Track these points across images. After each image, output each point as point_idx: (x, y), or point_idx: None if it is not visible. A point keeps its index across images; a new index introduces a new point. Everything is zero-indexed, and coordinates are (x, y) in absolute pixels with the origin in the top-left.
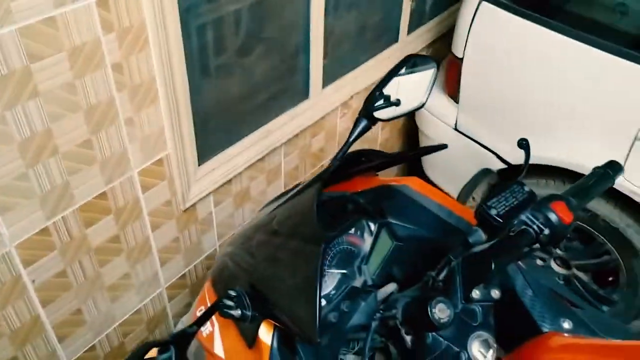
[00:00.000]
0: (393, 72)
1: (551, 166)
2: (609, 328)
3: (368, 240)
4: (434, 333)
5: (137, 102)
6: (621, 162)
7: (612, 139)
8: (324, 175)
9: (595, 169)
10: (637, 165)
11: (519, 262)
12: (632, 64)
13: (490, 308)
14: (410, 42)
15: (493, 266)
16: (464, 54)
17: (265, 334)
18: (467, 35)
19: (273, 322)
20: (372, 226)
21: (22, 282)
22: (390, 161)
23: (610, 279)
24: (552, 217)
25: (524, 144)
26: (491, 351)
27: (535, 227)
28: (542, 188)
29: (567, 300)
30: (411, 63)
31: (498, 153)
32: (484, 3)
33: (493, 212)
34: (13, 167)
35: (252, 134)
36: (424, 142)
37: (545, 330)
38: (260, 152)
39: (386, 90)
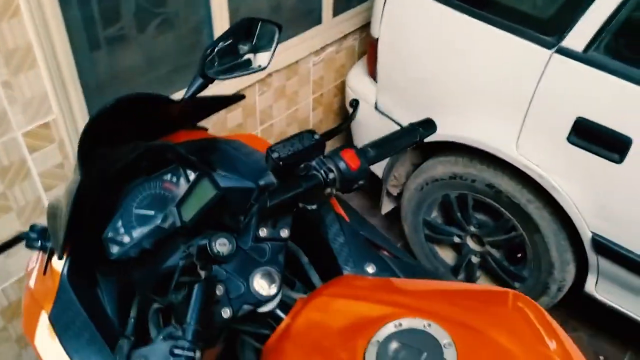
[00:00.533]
0: (228, 32)
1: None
2: (411, 270)
3: (182, 187)
4: (217, 265)
5: (14, 66)
6: (516, 137)
7: (508, 115)
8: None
9: (411, 124)
10: (529, 139)
11: (340, 213)
12: (523, 40)
13: (282, 247)
14: (337, 24)
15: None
16: (379, 33)
17: (59, 262)
18: (381, 15)
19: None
20: (192, 175)
21: None
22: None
23: (519, 255)
24: (340, 163)
25: (353, 104)
26: (274, 285)
27: (322, 171)
28: (458, 166)
29: (384, 249)
30: (249, 25)
31: None
32: None
33: (274, 154)
34: None
35: None
36: (354, 123)
37: (345, 272)
38: None
39: (223, 51)
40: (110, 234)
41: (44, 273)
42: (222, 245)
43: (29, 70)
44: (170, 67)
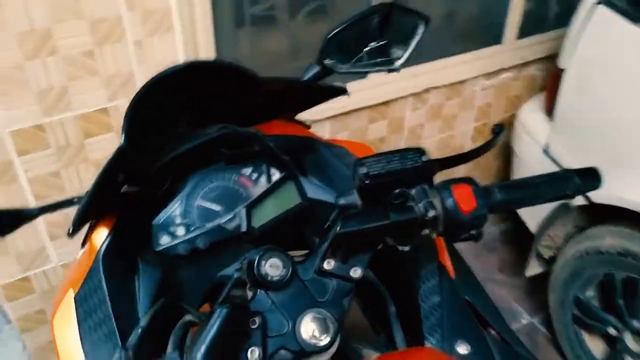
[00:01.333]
0: (358, 18)
1: None
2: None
3: (260, 186)
4: (262, 291)
5: (149, 27)
6: None
7: None
8: None
9: (565, 171)
10: None
11: (445, 265)
12: None
13: (349, 290)
14: (519, 47)
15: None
16: (568, 64)
17: (100, 237)
18: (577, 44)
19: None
20: (277, 174)
21: (14, 169)
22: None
23: None
24: (448, 200)
25: (496, 130)
26: (326, 336)
27: (421, 206)
28: (634, 242)
29: (492, 328)
30: (386, 13)
31: None
32: (601, 8)
33: (361, 169)
34: (10, 55)
35: None
36: (513, 161)
37: (427, 344)
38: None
39: (349, 40)
40: (162, 221)
41: (82, 245)
42: (273, 268)
43: (165, 33)
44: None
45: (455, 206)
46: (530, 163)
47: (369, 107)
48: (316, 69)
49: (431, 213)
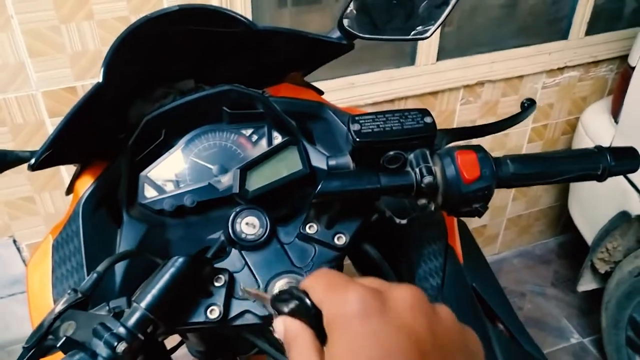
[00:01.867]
0: None
1: None
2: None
3: (259, 149)
4: (236, 250)
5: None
6: None
7: None
8: None
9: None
10: None
11: (454, 247)
12: None
13: (333, 259)
14: (588, 45)
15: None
16: (638, 61)
17: (84, 184)
18: None
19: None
20: (279, 138)
21: (45, 130)
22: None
23: None
24: (449, 166)
25: (525, 105)
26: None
27: (418, 170)
28: None
29: (501, 321)
30: None
31: None
32: None
33: (354, 126)
34: (46, 15)
35: (332, 80)
36: None
37: None
38: (337, 101)
39: (372, 3)
40: (150, 173)
41: (67, 193)
42: (249, 226)
43: None
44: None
45: (457, 174)
46: None
47: (416, 96)
48: (336, 34)
49: (427, 179)
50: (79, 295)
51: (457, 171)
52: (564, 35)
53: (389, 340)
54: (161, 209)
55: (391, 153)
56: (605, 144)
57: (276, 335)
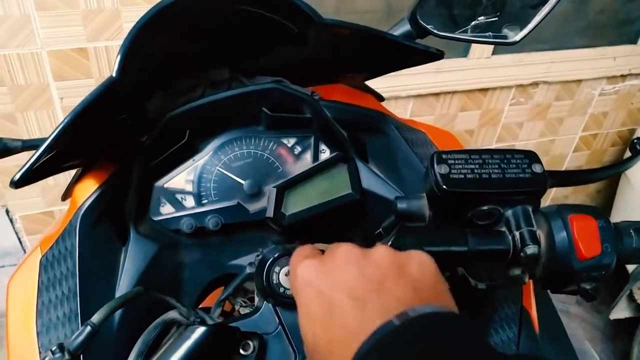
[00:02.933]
0: None
1: None
2: None
3: (302, 164)
4: (271, 304)
5: None
6: None
7: None
8: None
9: None
10: None
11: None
12: None
13: None
14: None
15: None
16: None
17: (84, 188)
18: None
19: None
20: (327, 152)
21: (49, 94)
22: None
23: None
24: (559, 233)
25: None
26: None
27: (518, 234)
28: None
29: None
30: None
31: None
32: None
33: (440, 169)
34: None
35: None
36: (623, 187)
37: None
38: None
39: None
40: (167, 184)
41: (63, 198)
42: (289, 277)
43: None
44: None
45: (571, 247)
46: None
47: (463, 91)
48: (406, 27)
49: (531, 249)
50: (66, 357)
51: (571, 243)
52: (632, 39)
53: (327, 297)
54: (177, 229)
55: (485, 208)
56: None
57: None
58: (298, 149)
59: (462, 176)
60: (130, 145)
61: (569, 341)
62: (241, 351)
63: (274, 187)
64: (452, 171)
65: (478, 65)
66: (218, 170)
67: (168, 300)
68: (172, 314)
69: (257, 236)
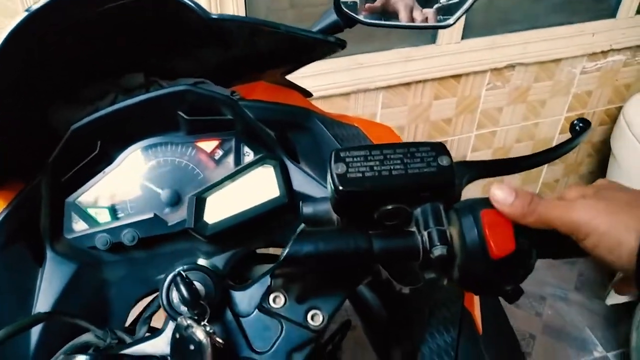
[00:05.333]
0: None
1: None
2: None
3: (224, 169)
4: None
5: None
6: None
7: None
8: None
9: None
10: None
11: (473, 315)
12: None
13: (307, 341)
14: (638, 24)
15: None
16: None
17: None
18: None
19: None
20: (251, 155)
21: None
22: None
23: None
24: (469, 231)
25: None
26: None
27: (426, 233)
28: None
29: None
30: None
31: None
32: None
33: (338, 167)
34: None
35: (336, 59)
36: (612, 170)
37: None
38: (342, 84)
39: None
40: (79, 199)
41: None
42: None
43: None
44: None
45: (481, 244)
46: (630, 171)
47: (435, 79)
48: (333, 17)
49: (439, 251)
50: None
51: (482, 240)
52: (611, 13)
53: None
54: (92, 246)
55: (389, 207)
56: None
57: None
58: (219, 153)
59: (360, 175)
60: (36, 160)
61: (517, 342)
62: None
63: (192, 195)
64: (350, 170)
65: (448, 51)
66: (134, 181)
67: (79, 323)
68: (87, 337)
69: (183, 248)
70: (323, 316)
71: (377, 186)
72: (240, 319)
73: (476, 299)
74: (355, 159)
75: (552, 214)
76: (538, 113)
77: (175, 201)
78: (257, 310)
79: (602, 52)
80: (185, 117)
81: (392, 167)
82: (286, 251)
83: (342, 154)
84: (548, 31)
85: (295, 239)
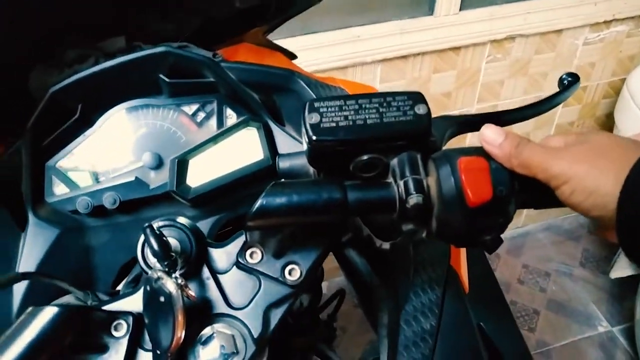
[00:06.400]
0: None
1: None
2: None
3: (206, 131)
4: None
5: None
6: None
7: None
8: None
9: None
10: None
11: (460, 275)
12: None
13: (285, 297)
14: None
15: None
16: None
17: None
18: None
19: None
20: (234, 117)
21: None
22: None
23: None
24: (446, 179)
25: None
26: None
27: (402, 183)
28: None
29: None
30: None
31: None
32: None
33: (311, 117)
34: None
35: (332, 31)
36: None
37: None
38: (339, 58)
39: None
40: (59, 163)
41: None
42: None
43: None
44: None
45: (458, 192)
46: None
47: (434, 52)
48: None
49: (414, 199)
50: None
51: (459, 188)
52: None
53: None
54: (73, 209)
55: (364, 157)
56: None
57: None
58: (201, 115)
59: (333, 124)
60: (16, 123)
61: (505, 301)
62: (113, 332)
63: (173, 158)
64: (323, 119)
65: (446, 22)
66: (114, 144)
67: (58, 284)
68: (67, 298)
69: (167, 212)
70: (301, 271)
71: (350, 135)
72: (218, 275)
73: (463, 259)
74: (329, 109)
75: (534, 159)
76: (540, 86)
77: (157, 164)
78: (235, 266)
79: (605, 22)
80: (166, 79)
81: (367, 117)
82: (258, 203)
83: (316, 104)
84: (549, 1)
85: (267, 190)
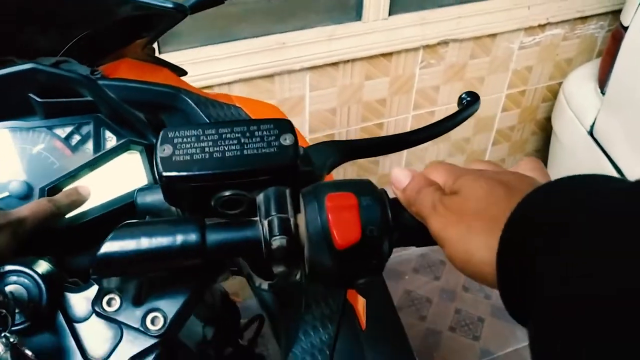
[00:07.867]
0: None
1: None
2: None
3: (82, 156)
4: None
5: None
6: None
7: None
8: None
9: None
10: None
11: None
12: None
13: (149, 349)
14: None
15: None
16: (630, 20)
17: None
18: None
19: None
20: (113, 140)
21: None
22: None
23: None
24: (313, 219)
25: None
26: None
27: (267, 222)
28: None
29: None
30: None
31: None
32: None
33: (163, 149)
34: None
35: (257, 38)
36: (554, 147)
37: None
38: (264, 66)
39: None
40: None
41: None
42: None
43: None
44: None
45: (324, 232)
46: (571, 147)
47: (364, 58)
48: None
49: (278, 241)
50: None
51: (325, 229)
52: None
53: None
54: None
55: (225, 194)
56: (588, 119)
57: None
58: (76, 138)
59: (187, 157)
60: None
61: (405, 335)
62: None
63: (42, 187)
64: (176, 152)
65: (375, 28)
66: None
67: None
68: None
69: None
70: (165, 319)
71: (205, 170)
72: (75, 324)
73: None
74: (185, 140)
75: (422, 213)
76: (477, 91)
77: (25, 194)
78: (94, 314)
79: (540, 25)
80: (37, 99)
81: (226, 148)
82: (101, 249)
83: (170, 134)
84: (481, 5)
85: (113, 234)
